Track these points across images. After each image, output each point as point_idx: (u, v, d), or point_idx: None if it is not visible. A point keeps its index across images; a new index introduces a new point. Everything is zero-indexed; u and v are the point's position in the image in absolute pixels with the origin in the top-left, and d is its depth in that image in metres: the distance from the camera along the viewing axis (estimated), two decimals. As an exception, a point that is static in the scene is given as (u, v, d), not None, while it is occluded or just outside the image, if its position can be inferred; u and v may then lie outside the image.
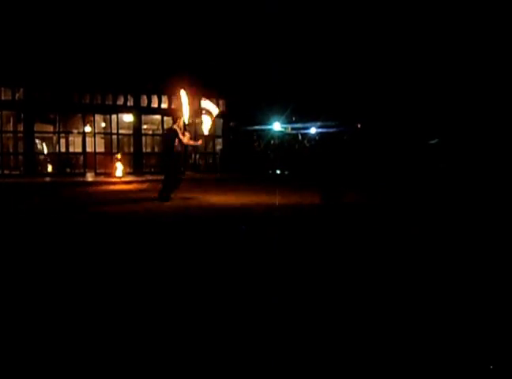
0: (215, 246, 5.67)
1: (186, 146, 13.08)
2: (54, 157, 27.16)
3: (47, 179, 24.00)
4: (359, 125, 24.71)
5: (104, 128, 28.65)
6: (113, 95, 27.37)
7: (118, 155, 25.25)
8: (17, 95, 25.50)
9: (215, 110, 13.51)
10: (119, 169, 24.84)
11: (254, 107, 28.49)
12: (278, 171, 27.30)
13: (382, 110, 25.54)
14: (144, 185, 18.62)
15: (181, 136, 11.97)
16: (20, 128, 26.27)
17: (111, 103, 27.41)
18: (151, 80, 26.73)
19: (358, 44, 24.56)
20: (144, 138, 29.66)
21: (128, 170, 26.51)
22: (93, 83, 25.90)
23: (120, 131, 28.32)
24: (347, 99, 23.72)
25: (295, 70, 26.75)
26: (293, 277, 4.21)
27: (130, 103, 27.93)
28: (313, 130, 25.40)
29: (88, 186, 19.42)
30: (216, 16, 27.30)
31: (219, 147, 31.57)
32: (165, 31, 26.76)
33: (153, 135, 30.78)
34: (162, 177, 12.95)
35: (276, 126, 26.60)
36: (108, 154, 27.88)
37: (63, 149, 27.30)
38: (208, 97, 29.64)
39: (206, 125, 13.10)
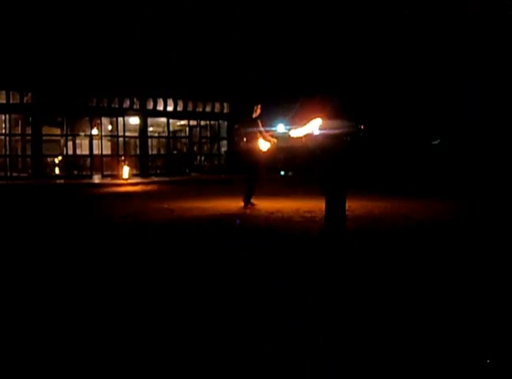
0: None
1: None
2: (62, 159, 27.61)
3: (61, 181, 24.49)
4: (362, 127, 25.01)
5: (111, 130, 29.11)
6: (119, 98, 27.80)
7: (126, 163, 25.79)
8: (26, 98, 25.91)
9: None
10: (126, 171, 25.27)
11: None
12: (282, 173, 27.61)
13: (385, 111, 25.86)
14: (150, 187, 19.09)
15: (261, 128, 9.94)
16: (29, 131, 26.73)
17: (117, 106, 27.84)
18: (156, 83, 27.12)
19: (359, 45, 24.86)
20: (150, 140, 30.11)
21: (134, 171, 26.94)
22: (100, 86, 26.30)
23: (126, 133, 28.77)
24: (350, 101, 23.95)
25: (299, 72, 27.06)
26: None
27: (136, 105, 28.35)
28: (316, 131, 25.63)
29: (97, 188, 19.82)
30: (219, 19, 27.66)
31: (224, 149, 31.97)
32: (170, 35, 27.18)
33: (159, 137, 31.25)
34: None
35: (280, 128, 26.89)
36: (115, 156, 28.34)
37: (70, 152, 27.75)
38: (213, 100, 30.34)
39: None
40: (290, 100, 9.78)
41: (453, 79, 23.82)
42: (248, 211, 9.46)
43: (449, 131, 23.73)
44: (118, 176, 25.58)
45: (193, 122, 30.86)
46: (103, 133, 28.28)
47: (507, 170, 17.51)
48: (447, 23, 24.87)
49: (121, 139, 28.65)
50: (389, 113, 25.75)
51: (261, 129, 9.97)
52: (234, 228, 7.45)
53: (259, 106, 10.09)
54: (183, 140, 31.92)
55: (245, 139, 10.21)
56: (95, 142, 27.64)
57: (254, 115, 10.06)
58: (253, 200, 10.05)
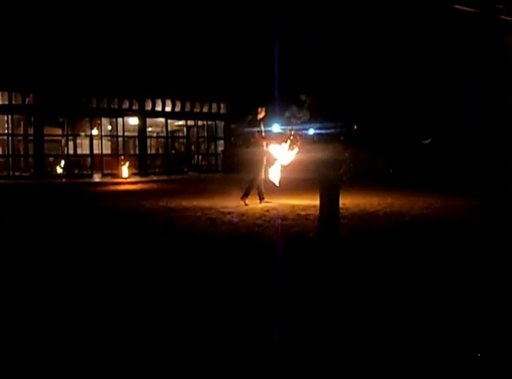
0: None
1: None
2: (63, 159, 28.14)
3: (62, 180, 25.05)
4: (355, 126, 25.59)
5: (111, 131, 29.67)
6: (119, 99, 28.28)
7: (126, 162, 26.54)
8: (27, 99, 26.32)
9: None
10: (125, 170, 25.89)
11: (254, 110, 29.29)
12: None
13: (377, 110, 26.46)
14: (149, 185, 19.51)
15: (263, 129, 10.51)
16: (30, 131, 27.19)
17: (116, 106, 28.34)
18: (155, 84, 27.58)
19: (353, 46, 25.40)
20: (148, 140, 30.70)
21: (133, 171, 27.52)
22: (100, 88, 26.74)
23: (126, 133, 29.30)
24: (344, 101, 24.37)
25: (294, 73, 27.57)
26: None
27: (135, 106, 28.85)
28: (311, 131, 26.16)
29: (98, 187, 20.33)
30: (219, 20, 28.03)
31: (220, 148, 32.53)
32: (168, 37, 27.60)
33: (157, 137, 31.83)
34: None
35: (275, 128, 27.38)
36: (114, 156, 28.92)
37: (71, 151, 28.30)
38: (211, 100, 30.80)
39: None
40: (287, 100, 10.30)
41: (445, 76, 24.30)
42: (244, 208, 9.78)
43: (441, 130, 24.17)
44: (117, 175, 26.15)
45: (190, 122, 31.42)
46: (103, 133, 28.82)
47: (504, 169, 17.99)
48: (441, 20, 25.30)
49: (120, 139, 29.19)
50: (381, 111, 26.33)
51: (263, 129, 10.45)
52: (231, 225, 7.68)
53: (264, 109, 10.54)
54: (181, 139, 32.50)
55: (251, 139, 10.65)
56: (95, 142, 28.18)
57: (259, 117, 10.50)
58: (266, 199, 10.62)
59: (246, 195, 10.43)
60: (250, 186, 10.50)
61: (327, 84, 7.25)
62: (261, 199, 10.58)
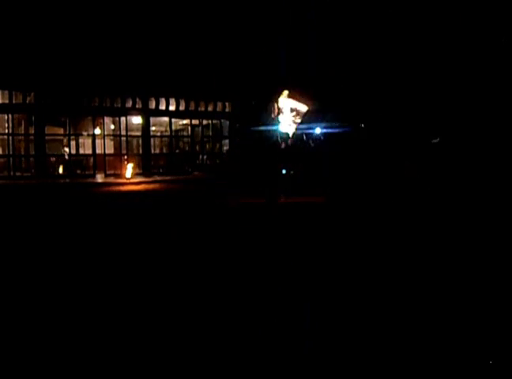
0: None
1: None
2: (65, 159, 27.74)
3: (65, 180, 24.68)
4: (362, 125, 25.13)
5: (113, 130, 29.21)
6: (122, 98, 27.91)
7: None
8: (28, 98, 26.00)
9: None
10: (128, 170, 25.46)
11: (259, 109, 28.91)
12: (284, 171, 27.70)
13: (385, 109, 25.94)
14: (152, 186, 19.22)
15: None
16: (32, 131, 26.82)
17: (119, 105, 27.96)
18: (159, 82, 27.24)
19: (360, 44, 24.95)
20: (152, 140, 30.23)
21: (137, 171, 27.10)
22: (103, 86, 26.44)
23: (129, 133, 28.92)
24: (350, 100, 24.01)
25: (300, 72, 27.18)
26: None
27: (139, 105, 28.46)
28: (318, 130, 25.73)
29: (100, 187, 19.99)
30: (221, 18, 27.79)
31: (226, 148, 32.10)
32: (172, 35, 27.30)
33: (161, 136, 31.39)
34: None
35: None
36: (117, 155, 28.47)
37: (73, 151, 27.89)
38: (215, 99, 30.47)
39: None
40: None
41: (454, 75, 23.85)
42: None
43: (450, 129, 23.70)
44: (120, 175, 25.78)
45: (195, 121, 31.00)
46: (105, 133, 28.39)
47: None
48: (447, 19, 24.88)
49: (123, 138, 28.80)
50: (389, 110, 25.83)
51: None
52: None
53: (279, 106, 10.20)
54: (185, 139, 32.07)
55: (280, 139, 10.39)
56: (98, 141, 27.77)
57: (273, 116, 10.20)
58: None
59: (274, 198, 9.96)
60: (273, 187, 10.10)
61: (332, 83, 6.91)
62: (273, 200, 10.15)
